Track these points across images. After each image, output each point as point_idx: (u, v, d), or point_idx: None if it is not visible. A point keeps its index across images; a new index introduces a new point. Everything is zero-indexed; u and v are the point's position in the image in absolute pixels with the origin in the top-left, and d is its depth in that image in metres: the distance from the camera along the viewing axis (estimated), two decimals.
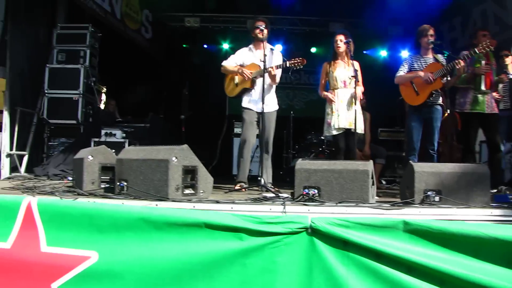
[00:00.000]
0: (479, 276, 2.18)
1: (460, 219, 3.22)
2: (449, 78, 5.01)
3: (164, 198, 3.31)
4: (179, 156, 3.50)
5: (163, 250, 2.30)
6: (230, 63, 5.14)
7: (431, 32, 5.08)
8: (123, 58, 8.54)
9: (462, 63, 4.78)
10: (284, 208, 3.11)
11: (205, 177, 3.76)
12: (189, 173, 3.63)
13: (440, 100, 5.01)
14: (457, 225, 2.35)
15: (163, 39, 10.63)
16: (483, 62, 4.98)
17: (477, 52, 4.78)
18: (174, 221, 2.31)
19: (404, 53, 9.92)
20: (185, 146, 3.66)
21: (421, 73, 4.95)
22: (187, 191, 3.58)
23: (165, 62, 10.62)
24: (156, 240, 2.31)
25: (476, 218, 3.28)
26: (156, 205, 3.10)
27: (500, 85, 5.53)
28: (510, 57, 5.37)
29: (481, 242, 2.23)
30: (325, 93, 5.12)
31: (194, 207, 3.18)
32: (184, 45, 11.06)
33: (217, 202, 3.37)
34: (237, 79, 5.08)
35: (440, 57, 5.12)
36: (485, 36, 5.21)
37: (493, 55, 5.25)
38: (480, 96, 5.15)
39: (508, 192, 4.16)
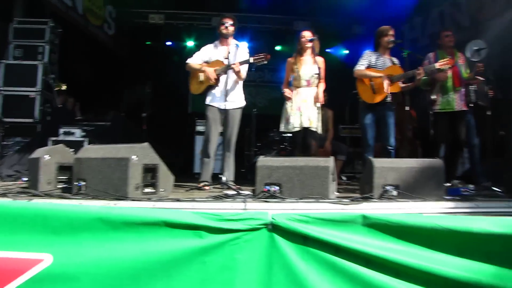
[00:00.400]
0: (433, 265, 2.24)
1: (417, 212, 3.33)
2: (404, 84, 5.14)
3: (123, 197, 3.26)
4: (140, 154, 3.45)
5: (121, 250, 2.25)
6: (194, 61, 5.07)
7: (391, 32, 5.18)
8: (84, 55, 8.31)
9: (422, 74, 4.94)
10: (245, 205, 3.12)
11: (166, 176, 3.72)
12: (150, 171, 3.59)
13: (389, 98, 5.08)
14: (413, 218, 2.41)
15: (127, 36, 10.44)
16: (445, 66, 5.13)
17: (438, 67, 4.95)
18: (132, 220, 2.27)
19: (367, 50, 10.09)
20: (146, 144, 3.61)
21: (384, 79, 5.01)
22: (147, 190, 3.54)
23: (128, 59, 10.43)
24: (114, 240, 2.26)
25: (432, 211, 3.39)
26: (115, 204, 3.05)
27: None
28: (463, 57, 5.54)
29: (436, 234, 2.30)
30: (284, 90, 5.14)
31: (154, 206, 3.15)
32: (147, 42, 10.88)
33: (178, 200, 3.35)
34: (201, 76, 5.01)
35: (395, 60, 5.24)
36: (448, 37, 5.41)
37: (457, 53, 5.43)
38: (451, 95, 5.33)
39: (460, 186, 4.31)
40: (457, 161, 5.55)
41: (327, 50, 10.45)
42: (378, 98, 5.05)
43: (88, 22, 8.56)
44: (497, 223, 2.30)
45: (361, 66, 5.19)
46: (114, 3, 9.64)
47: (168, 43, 10.92)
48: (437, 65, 4.97)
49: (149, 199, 3.31)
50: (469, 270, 2.27)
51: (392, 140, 5.06)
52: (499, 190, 4.59)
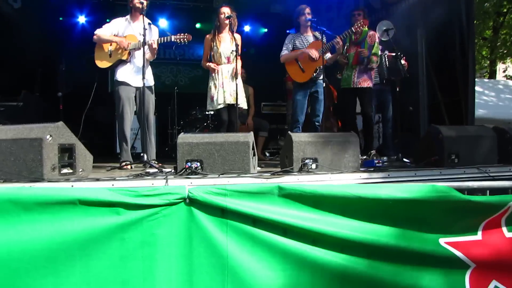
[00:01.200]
0: (346, 231, 2.40)
1: (334, 184, 3.51)
2: (329, 55, 5.37)
3: (39, 179, 3.13)
4: (54, 134, 3.30)
5: (34, 232, 2.16)
6: (105, 32, 4.86)
7: (307, 10, 5.39)
8: None
9: (341, 42, 5.18)
10: (167, 182, 3.12)
11: (83, 155, 3.61)
12: (66, 151, 3.46)
13: (322, 76, 5.32)
14: (326, 188, 2.54)
15: (36, 10, 9.72)
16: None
17: (353, 30, 5.22)
18: (45, 200, 2.18)
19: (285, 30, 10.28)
20: (60, 123, 3.46)
21: (307, 50, 5.22)
22: (64, 171, 3.41)
23: (38, 36, 9.75)
24: (26, 222, 2.16)
25: (348, 182, 3.59)
26: (31, 187, 2.91)
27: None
28: (373, 37, 5.83)
29: (347, 202, 2.44)
30: (209, 63, 5.15)
31: (72, 186, 3.05)
32: (60, 18, 10.23)
33: (97, 180, 3.27)
34: (110, 48, 4.81)
35: (317, 34, 5.43)
36: (360, 15, 5.67)
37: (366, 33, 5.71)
38: (347, 73, 5.65)
39: (375, 158, 4.59)
40: (368, 134, 5.90)
41: (247, 26, 10.45)
42: (307, 76, 5.29)
43: None
44: (401, 189, 2.49)
45: (284, 51, 5.39)
46: None
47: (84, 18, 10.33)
48: (353, 28, 5.25)
49: (67, 180, 3.20)
50: (379, 234, 2.46)
51: (320, 117, 5.29)
52: (408, 161, 4.96)
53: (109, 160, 5.40)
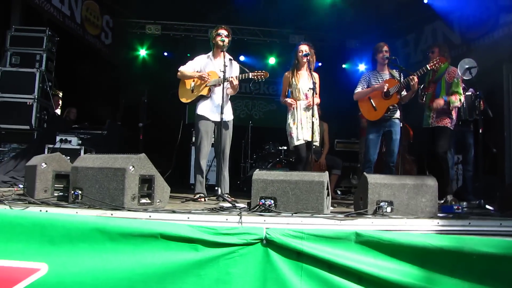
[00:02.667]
0: (424, 284, 2.28)
1: (410, 229, 3.36)
2: (405, 93, 5.23)
3: (119, 207, 3.26)
4: (137, 165, 3.46)
5: (117, 261, 2.27)
6: (187, 68, 5.07)
7: (385, 48, 5.31)
8: (81, 63, 8.35)
9: (416, 79, 5.01)
10: (241, 218, 3.14)
11: (162, 187, 3.73)
12: (146, 182, 3.60)
13: (398, 114, 5.19)
14: (405, 236, 2.45)
15: (123, 46, 10.48)
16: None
17: (428, 68, 5.04)
18: (129, 232, 2.29)
19: (361, 66, 10.22)
20: (143, 155, 3.62)
21: (378, 86, 5.15)
22: (143, 201, 3.54)
23: (124, 69, 10.46)
24: (110, 251, 2.28)
25: (424, 228, 3.41)
26: (112, 214, 3.05)
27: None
28: (453, 74, 5.57)
29: (427, 252, 2.33)
30: (286, 99, 5.20)
31: (150, 217, 3.15)
32: (144, 52, 10.91)
33: (174, 212, 3.35)
34: (192, 84, 5.01)
35: (395, 72, 5.33)
36: (434, 53, 5.46)
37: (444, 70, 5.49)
38: (426, 113, 5.43)
39: (454, 203, 4.35)
40: (441, 177, 5.59)
41: (322, 64, 10.51)
42: (379, 114, 5.20)
43: (85, 31, 8.61)
44: (487, 243, 2.34)
45: (358, 89, 5.36)
46: (111, 13, 9.69)
47: (165, 53, 10.95)
48: (429, 66, 5.05)
49: (145, 210, 3.32)
50: None
51: (394, 157, 5.15)
52: (492, 208, 4.64)
53: (179, 188, 5.55)
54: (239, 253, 2.26)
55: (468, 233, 3.47)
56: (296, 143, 5.08)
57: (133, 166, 3.41)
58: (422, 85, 5.54)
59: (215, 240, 2.25)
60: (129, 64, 10.54)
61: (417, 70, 5.11)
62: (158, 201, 3.66)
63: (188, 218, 3.15)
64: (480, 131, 5.19)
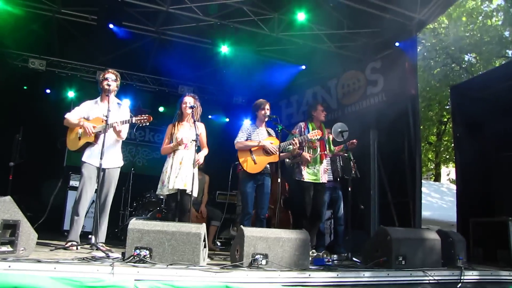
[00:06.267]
0: None
1: (283, 281, 3.46)
2: (282, 153, 5.49)
3: None
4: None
5: None
6: (73, 116, 4.87)
7: (267, 106, 5.58)
8: None
9: (297, 143, 5.39)
10: (113, 269, 2.98)
11: (28, 233, 3.42)
12: (9, 228, 3.27)
13: (269, 169, 5.44)
14: None
15: (1, 77, 9.59)
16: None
17: (309, 138, 5.49)
18: None
19: (246, 122, 10.58)
20: (8, 197, 3.32)
21: (266, 143, 5.36)
22: (3, 249, 3.20)
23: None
24: None
25: (297, 281, 3.55)
26: None
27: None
28: (331, 135, 6.11)
29: None
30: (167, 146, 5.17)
31: (9, 267, 2.85)
32: (24, 87, 10.09)
33: (39, 261, 3.07)
34: (80, 131, 4.82)
35: (271, 131, 5.62)
36: (323, 112, 6.00)
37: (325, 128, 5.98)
38: (317, 167, 5.76)
39: (325, 256, 4.60)
40: (315, 230, 5.91)
41: (210, 116, 10.73)
42: (258, 168, 5.38)
43: None
44: None
45: (241, 138, 5.48)
46: None
47: (47, 90, 10.27)
48: (309, 135, 5.45)
49: (4, 260, 2.99)
50: None
51: (265, 210, 5.31)
52: (358, 260, 5.00)
53: (51, 235, 5.16)
54: None
55: (337, 284, 3.69)
56: (166, 192, 5.01)
57: None
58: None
59: None
60: (5, 97, 9.63)
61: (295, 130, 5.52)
62: (22, 249, 3.33)
63: (55, 268, 2.90)
64: (349, 189, 5.62)
